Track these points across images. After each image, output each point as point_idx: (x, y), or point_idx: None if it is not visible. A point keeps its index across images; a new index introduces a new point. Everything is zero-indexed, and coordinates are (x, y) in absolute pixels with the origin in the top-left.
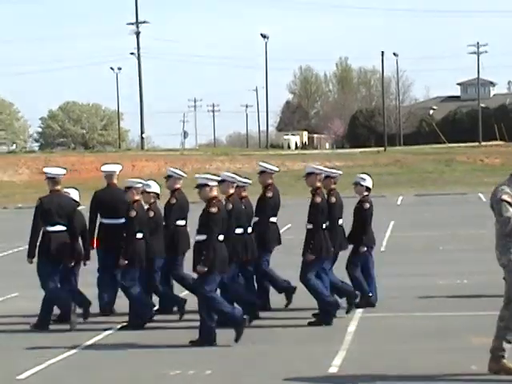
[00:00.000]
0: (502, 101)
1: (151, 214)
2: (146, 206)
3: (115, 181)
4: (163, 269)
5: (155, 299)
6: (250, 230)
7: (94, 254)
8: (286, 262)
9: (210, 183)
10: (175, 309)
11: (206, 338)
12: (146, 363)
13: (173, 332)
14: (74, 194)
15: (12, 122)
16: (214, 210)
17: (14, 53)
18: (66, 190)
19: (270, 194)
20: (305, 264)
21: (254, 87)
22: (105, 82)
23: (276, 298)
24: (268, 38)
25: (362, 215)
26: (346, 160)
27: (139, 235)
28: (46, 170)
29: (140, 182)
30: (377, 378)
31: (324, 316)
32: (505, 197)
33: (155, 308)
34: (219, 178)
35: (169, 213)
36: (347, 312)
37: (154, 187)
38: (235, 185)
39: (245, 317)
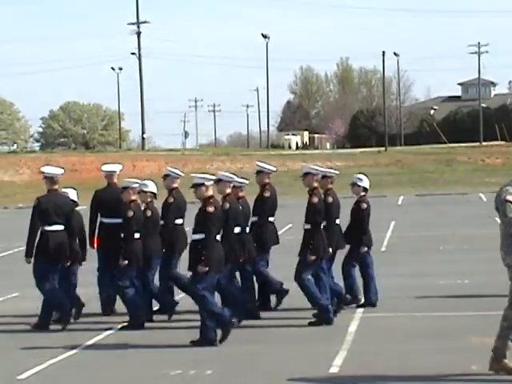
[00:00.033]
0: (502, 101)
1: (148, 213)
2: (143, 206)
3: (115, 180)
4: (161, 268)
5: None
6: (247, 230)
7: (93, 253)
8: (285, 262)
9: (206, 183)
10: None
11: (207, 338)
12: (146, 363)
13: (173, 332)
14: (72, 194)
15: (13, 121)
16: (211, 209)
17: (14, 53)
18: (64, 189)
19: (267, 194)
20: (301, 264)
21: (255, 87)
22: (106, 82)
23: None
24: (269, 37)
25: (360, 216)
26: (347, 160)
27: (136, 235)
28: (43, 169)
29: (136, 182)
30: (377, 377)
31: (322, 315)
32: (509, 197)
33: (155, 308)
34: (215, 178)
35: (167, 212)
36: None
37: (151, 187)
38: (232, 184)
39: (233, 320)
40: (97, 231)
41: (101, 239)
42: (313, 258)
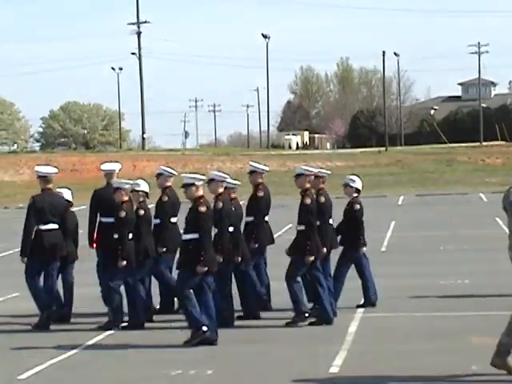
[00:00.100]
0: (503, 101)
1: (141, 212)
2: (135, 205)
3: (115, 179)
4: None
5: (155, 300)
6: (241, 230)
7: (93, 253)
8: (285, 262)
9: (197, 183)
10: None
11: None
12: (146, 363)
13: (173, 332)
14: (66, 194)
15: (13, 121)
16: (203, 209)
17: (14, 53)
18: (59, 189)
19: (261, 194)
20: (294, 265)
21: (255, 87)
22: (106, 82)
23: (277, 298)
24: (269, 37)
25: (353, 217)
26: (347, 160)
27: (129, 236)
28: (37, 168)
29: (128, 183)
30: (377, 378)
31: (321, 315)
32: None
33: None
34: (208, 177)
35: (161, 210)
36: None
37: (143, 186)
38: (224, 184)
39: (205, 329)
40: (96, 230)
41: (100, 238)
42: (311, 258)
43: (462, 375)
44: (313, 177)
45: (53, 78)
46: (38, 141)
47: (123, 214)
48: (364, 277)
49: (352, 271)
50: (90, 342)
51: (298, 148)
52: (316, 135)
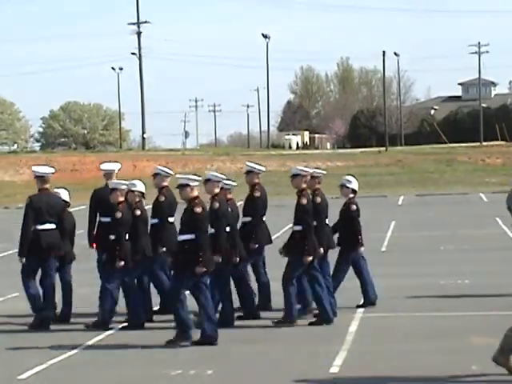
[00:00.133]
0: (503, 101)
1: (138, 212)
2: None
3: (114, 179)
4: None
5: (155, 300)
6: (237, 231)
7: (92, 253)
8: (284, 262)
9: (191, 183)
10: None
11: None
12: (146, 363)
13: (173, 332)
14: (64, 195)
15: (13, 121)
16: (198, 209)
17: (14, 53)
18: (56, 190)
19: (257, 194)
20: (291, 266)
21: (255, 87)
22: (106, 82)
23: (277, 298)
24: (269, 37)
25: (350, 217)
26: (347, 160)
27: (125, 236)
28: (34, 168)
29: (124, 183)
30: (377, 378)
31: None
32: None
33: (155, 308)
34: (201, 178)
35: (158, 210)
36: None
37: (139, 186)
38: (220, 184)
39: (190, 333)
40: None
41: (100, 238)
42: (309, 258)
43: (462, 375)
44: (309, 177)
45: (53, 77)
46: (38, 141)
47: (119, 214)
48: (362, 277)
49: (351, 271)
50: (90, 342)
51: (298, 148)
52: (316, 135)
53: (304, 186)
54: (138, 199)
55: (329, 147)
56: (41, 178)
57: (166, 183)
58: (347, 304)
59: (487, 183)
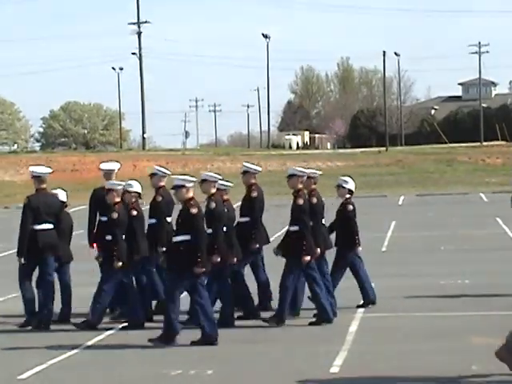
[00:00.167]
0: (503, 101)
1: (134, 212)
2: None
3: (114, 179)
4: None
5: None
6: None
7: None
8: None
9: (187, 184)
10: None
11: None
12: (146, 363)
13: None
14: (61, 195)
15: (13, 121)
16: (194, 210)
17: (15, 53)
18: (54, 190)
19: (254, 194)
20: (291, 267)
21: (256, 87)
22: (106, 82)
23: (277, 299)
24: (269, 37)
25: (346, 217)
26: (348, 160)
27: (122, 236)
28: (31, 168)
29: (120, 184)
30: (378, 378)
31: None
32: None
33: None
34: (196, 179)
35: (156, 210)
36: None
37: (136, 187)
38: (217, 185)
39: (177, 337)
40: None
41: (100, 237)
42: (307, 258)
43: (462, 375)
44: (305, 178)
45: (53, 77)
46: (38, 141)
47: (115, 215)
48: (359, 277)
49: (349, 271)
50: (90, 342)
51: (298, 148)
52: (316, 135)
53: (300, 186)
54: (134, 200)
55: (329, 147)
56: (38, 178)
57: (162, 183)
58: (347, 304)
59: (487, 183)
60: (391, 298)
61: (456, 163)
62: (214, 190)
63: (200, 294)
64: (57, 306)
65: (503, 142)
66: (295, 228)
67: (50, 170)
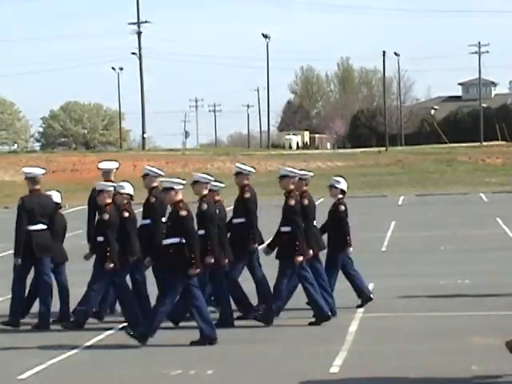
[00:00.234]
0: (503, 101)
1: (126, 214)
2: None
3: (113, 178)
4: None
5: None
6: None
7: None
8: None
9: (176, 187)
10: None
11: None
12: (146, 363)
13: (173, 332)
14: (55, 197)
15: (13, 121)
16: (183, 213)
17: (15, 52)
18: (48, 192)
19: (247, 195)
20: (284, 268)
21: (256, 87)
22: (106, 82)
23: None
24: (269, 37)
25: (338, 218)
26: (348, 160)
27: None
28: (25, 169)
29: (112, 185)
30: (377, 378)
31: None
32: None
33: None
34: (185, 182)
35: (151, 211)
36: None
37: (128, 188)
38: (209, 186)
39: (151, 340)
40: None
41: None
42: (300, 259)
43: (462, 375)
44: (297, 178)
45: (53, 77)
46: (38, 141)
47: (106, 216)
48: (350, 277)
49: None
50: (90, 342)
51: (298, 148)
52: (316, 135)
53: (292, 187)
54: (126, 201)
55: (329, 147)
56: (32, 180)
57: (155, 183)
58: (347, 304)
59: (487, 183)
60: (391, 298)
61: (456, 163)
62: (206, 192)
63: (195, 296)
64: (56, 307)
65: (503, 142)
66: (287, 229)
67: (43, 171)
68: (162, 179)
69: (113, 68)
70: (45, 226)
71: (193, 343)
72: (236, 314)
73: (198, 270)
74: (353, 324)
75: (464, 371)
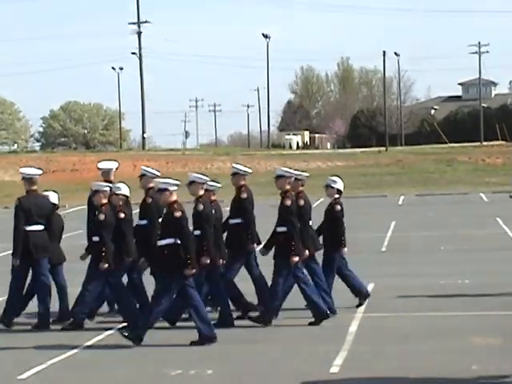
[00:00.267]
0: (503, 101)
1: (121, 215)
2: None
3: (112, 178)
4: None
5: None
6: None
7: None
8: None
9: (170, 188)
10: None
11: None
12: (146, 363)
13: (173, 332)
14: (52, 197)
15: (13, 121)
16: (178, 214)
17: (15, 52)
18: (45, 192)
19: (244, 196)
20: (280, 268)
21: (256, 87)
22: (106, 82)
23: None
24: (269, 37)
25: (334, 217)
26: (348, 160)
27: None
28: (22, 170)
29: (107, 186)
30: (378, 378)
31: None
32: None
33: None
34: (179, 183)
35: (147, 211)
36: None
37: (124, 189)
38: (205, 186)
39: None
40: None
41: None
42: (295, 259)
43: (462, 375)
44: (293, 179)
45: (53, 78)
46: (38, 140)
47: (102, 216)
48: (344, 277)
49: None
50: (90, 342)
51: (298, 148)
52: (316, 135)
53: (288, 187)
54: (121, 202)
55: (329, 147)
56: (29, 180)
57: (152, 184)
58: (347, 304)
59: (487, 183)
60: (391, 298)
61: (456, 163)
62: (202, 192)
63: (191, 296)
64: (56, 307)
65: (503, 142)
66: (283, 229)
67: (40, 172)
68: (157, 180)
69: (113, 68)
70: (42, 227)
71: (193, 343)
72: (235, 314)
73: (194, 271)
74: (353, 324)
75: (464, 371)
